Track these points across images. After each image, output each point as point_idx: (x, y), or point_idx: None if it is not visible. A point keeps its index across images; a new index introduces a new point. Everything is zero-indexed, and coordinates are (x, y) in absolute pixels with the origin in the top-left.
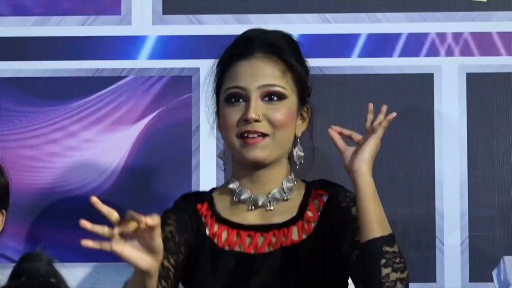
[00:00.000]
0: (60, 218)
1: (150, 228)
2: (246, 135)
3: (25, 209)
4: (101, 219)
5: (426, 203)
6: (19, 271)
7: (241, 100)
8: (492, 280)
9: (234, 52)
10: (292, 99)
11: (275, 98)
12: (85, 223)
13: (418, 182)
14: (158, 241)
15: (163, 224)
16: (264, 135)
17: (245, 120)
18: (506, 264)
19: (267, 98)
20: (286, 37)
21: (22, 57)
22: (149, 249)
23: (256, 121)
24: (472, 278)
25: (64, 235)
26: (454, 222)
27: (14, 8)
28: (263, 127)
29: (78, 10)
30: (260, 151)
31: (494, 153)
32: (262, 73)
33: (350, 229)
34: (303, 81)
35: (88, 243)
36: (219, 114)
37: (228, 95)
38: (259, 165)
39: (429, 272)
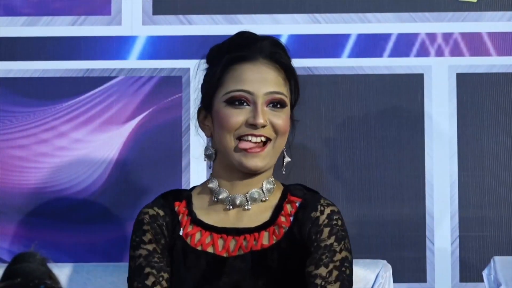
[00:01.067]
0: (51, 218)
1: None
2: (249, 138)
3: (15, 210)
4: (92, 218)
5: (416, 203)
6: (13, 272)
7: (245, 104)
8: (482, 280)
9: (237, 54)
10: (288, 108)
11: (278, 106)
12: None
13: (408, 182)
14: None
15: (142, 242)
16: (267, 139)
17: (251, 125)
18: (497, 264)
19: (271, 105)
20: (280, 45)
21: (12, 57)
22: None
23: (263, 126)
24: (462, 278)
25: (54, 235)
26: (444, 222)
27: (4, 8)
28: (267, 131)
29: (68, 10)
30: (260, 161)
31: (484, 153)
32: (269, 80)
33: (314, 257)
34: (297, 92)
35: None
36: (211, 113)
37: (232, 98)
38: (253, 173)
39: (419, 272)
